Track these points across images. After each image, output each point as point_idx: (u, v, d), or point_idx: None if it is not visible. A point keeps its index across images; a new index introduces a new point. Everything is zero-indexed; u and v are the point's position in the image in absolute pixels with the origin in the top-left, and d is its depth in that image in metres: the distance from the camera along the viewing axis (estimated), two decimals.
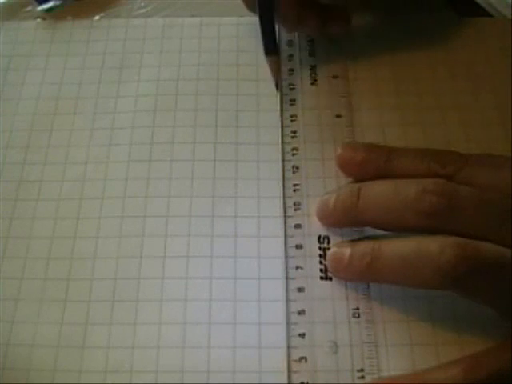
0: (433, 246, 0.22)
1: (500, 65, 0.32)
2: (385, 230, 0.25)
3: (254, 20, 0.30)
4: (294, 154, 0.30)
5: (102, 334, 0.26)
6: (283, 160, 0.30)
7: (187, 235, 0.28)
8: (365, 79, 0.32)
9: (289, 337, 0.25)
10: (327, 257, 0.26)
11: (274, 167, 0.29)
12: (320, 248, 0.27)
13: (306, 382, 0.24)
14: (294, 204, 0.28)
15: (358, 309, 0.26)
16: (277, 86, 0.31)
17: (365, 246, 0.25)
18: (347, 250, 0.25)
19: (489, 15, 0.34)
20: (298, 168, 0.29)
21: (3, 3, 0.36)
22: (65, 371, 0.25)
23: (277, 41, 0.31)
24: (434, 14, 0.34)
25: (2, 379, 0.25)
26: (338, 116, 0.31)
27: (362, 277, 0.25)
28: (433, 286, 0.23)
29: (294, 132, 0.30)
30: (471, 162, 0.25)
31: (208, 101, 0.32)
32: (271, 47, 0.31)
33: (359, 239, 0.26)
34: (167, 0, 0.35)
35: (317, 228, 0.27)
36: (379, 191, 0.25)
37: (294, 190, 0.29)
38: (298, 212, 0.28)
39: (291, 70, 0.32)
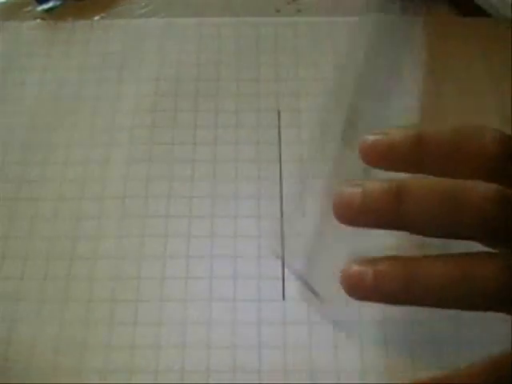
0: (485, 271, 0.19)
1: (499, 64, 0.32)
2: (431, 236, 0.21)
3: (254, 20, 0.30)
4: None
5: (102, 333, 0.26)
6: (281, 160, 0.30)
7: (187, 235, 0.28)
8: None
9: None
10: (341, 276, 0.21)
11: (274, 167, 0.30)
12: None
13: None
14: None
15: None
16: None
17: (394, 267, 0.20)
18: (369, 269, 0.20)
19: (489, 15, 0.34)
20: None
21: (3, 3, 0.36)
22: (65, 371, 0.25)
23: None
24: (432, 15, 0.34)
25: (2, 379, 0.25)
26: None
27: (392, 300, 0.21)
28: (485, 310, 0.20)
29: None
30: None
31: (208, 101, 0.32)
32: None
33: (381, 258, 0.21)
34: (167, 0, 0.35)
35: None
36: (426, 193, 0.20)
37: None
38: None
39: None
